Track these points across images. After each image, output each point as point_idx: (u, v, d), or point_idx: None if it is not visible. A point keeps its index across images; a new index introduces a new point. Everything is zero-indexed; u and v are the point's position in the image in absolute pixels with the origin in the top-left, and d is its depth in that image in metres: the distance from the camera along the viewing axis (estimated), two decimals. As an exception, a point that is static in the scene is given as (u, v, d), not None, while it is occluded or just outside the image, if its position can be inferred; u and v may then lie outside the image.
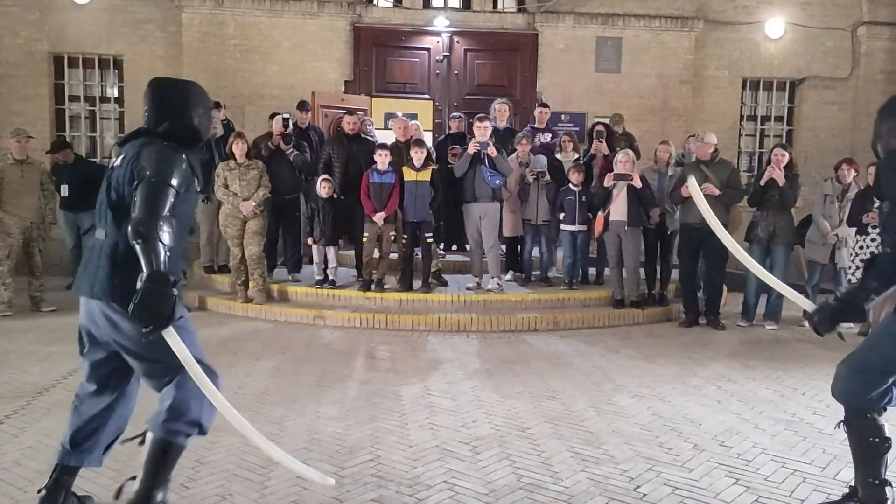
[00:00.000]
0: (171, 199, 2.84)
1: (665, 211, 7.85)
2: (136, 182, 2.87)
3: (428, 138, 9.12)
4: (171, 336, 2.76)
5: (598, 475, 3.81)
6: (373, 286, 7.85)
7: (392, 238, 8.03)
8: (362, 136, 8.60)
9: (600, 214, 7.72)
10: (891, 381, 3.14)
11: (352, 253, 8.57)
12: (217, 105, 8.83)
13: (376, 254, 7.90)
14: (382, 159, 7.72)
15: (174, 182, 2.88)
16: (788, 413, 4.85)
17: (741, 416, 4.78)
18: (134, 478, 3.03)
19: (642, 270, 8.04)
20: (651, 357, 6.38)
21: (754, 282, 7.52)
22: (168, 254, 2.74)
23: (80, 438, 3.17)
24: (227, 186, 7.66)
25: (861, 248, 7.16)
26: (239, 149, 7.69)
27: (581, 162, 8.44)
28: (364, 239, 7.84)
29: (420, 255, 7.94)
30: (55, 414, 4.59)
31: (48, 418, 4.53)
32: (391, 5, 11.01)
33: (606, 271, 8.36)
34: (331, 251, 8.02)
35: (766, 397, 5.21)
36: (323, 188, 7.87)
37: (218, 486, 3.60)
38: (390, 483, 3.67)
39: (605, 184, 7.64)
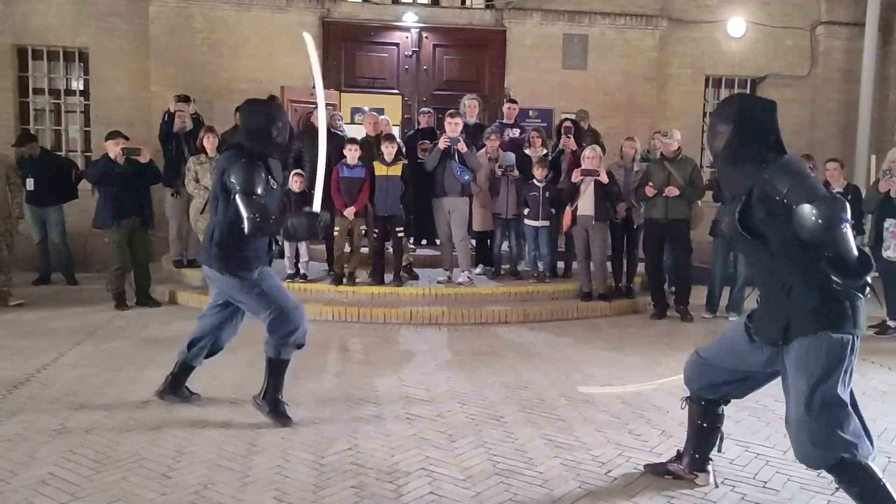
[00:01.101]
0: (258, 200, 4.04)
1: (631, 206, 8.03)
2: (232, 191, 4.08)
3: (396, 133, 9.19)
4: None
5: (570, 461, 3.94)
6: (344, 280, 7.91)
7: (363, 232, 8.10)
8: (332, 130, 8.62)
9: (568, 209, 7.86)
10: (720, 379, 3.39)
11: (323, 247, 8.61)
12: (186, 99, 8.83)
13: (347, 248, 7.96)
14: (352, 154, 7.77)
15: (258, 191, 4.06)
16: (751, 400, 4.97)
17: (706, 404, 4.94)
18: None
19: (609, 264, 8.21)
20: (619, 348, 6.54)
21: (718, 274, 7.74)
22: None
23: (195, 343, 4.64)
24: (198, 180, 7.65)
25: (819, 241, 7.40)
26: (210, 143, 7.69)
27: (549, 157, 8.58)
28: (335, 233, 7.89)
29: (391, 249, 8.01)
30: (31, 408, 4.60)
31: (25, 412, 4.52)
32: (360, 0, 11.03)
33: (574, 265, 8.52)
34: (302, 245, 8.05)
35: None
36: (295, 182, 7.89)
37: (200, 475, 3.65)
38: (370, 471, 3.75)
39: (573, 179, 7.78)
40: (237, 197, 4.05)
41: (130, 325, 7.09)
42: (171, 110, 8.68)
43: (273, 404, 4.39)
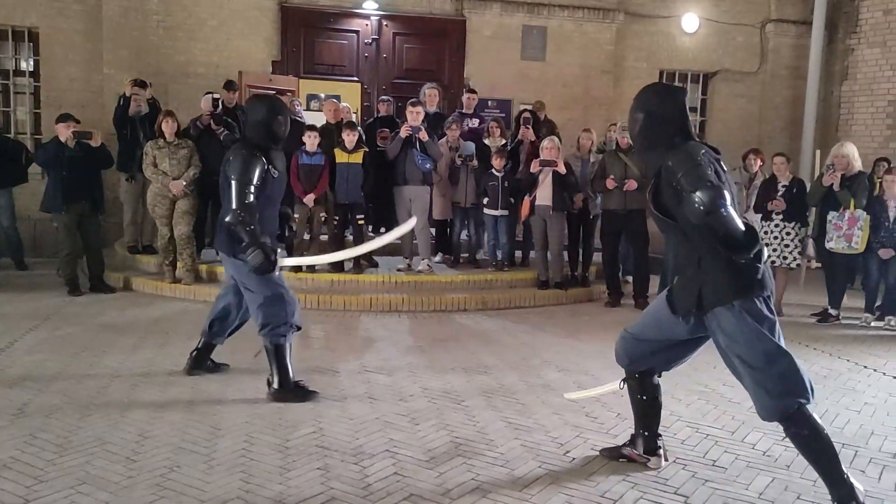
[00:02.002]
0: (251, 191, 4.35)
1: (588, 196, 8.20)
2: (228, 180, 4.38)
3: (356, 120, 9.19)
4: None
5: (530, 442, 4.05)
6: (303, 267, 7.92)
7: (323, 219, 8.10)
8: (292, 117, 8.58)
9: (527, 199, 7.99)
10: (648, 350, 3.60)
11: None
12: (143, 84, 8.68)
13: (307, 235, 7.97)
14: (312, 141, 7.77)
15: (254, 180, 4.37)
16: (701, 384, 5.22)
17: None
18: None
19: (566, 253, 8.37)
20: (575, 335, 6.70)
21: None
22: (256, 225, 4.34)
23: (213, 324, 4.97)
24: (156, 165, 7.56)
25: (766, 233, 7.66)
26: (169, 127, 7.59)
27: (508, 147, 8.69)
28: (294, 220, 7.87)
29: (351, 237, 8.04)
30: (-13, 393, 4.54)
31: (-20, 397, 4.47)
32: (320, -13, 10.97)
33: (532, 254, 8.67)
34: (261, 232, 8.01)
35: (681, 370, 5.44)
36: (254, 169, 7.84)
37: (164, 458, 3.66)
38: (335, 453, 3.81)
39: (532, 169, 7.91)
40: (232, 185, 4.36)
41: (85, 311, 7.00)
42: (127, 94, 8.54)
43: (292, 388, 4.59)
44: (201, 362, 5.09)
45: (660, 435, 3.81)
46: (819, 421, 3.19)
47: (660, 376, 3.76)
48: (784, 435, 3.26)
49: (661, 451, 3.78)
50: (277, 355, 4.55)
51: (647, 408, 3.74)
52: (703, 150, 3.22)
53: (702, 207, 2.99)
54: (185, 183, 7.57)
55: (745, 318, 3.13)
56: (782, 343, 3.19)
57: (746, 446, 4.09)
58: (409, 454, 3.83)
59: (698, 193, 3.01)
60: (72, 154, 7.49)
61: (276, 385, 4.58)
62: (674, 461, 3.85)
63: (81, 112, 8.90)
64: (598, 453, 3.92)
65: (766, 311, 3.17)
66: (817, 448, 3.15)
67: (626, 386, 3.79)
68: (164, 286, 7.82)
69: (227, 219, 4.37)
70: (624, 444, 3.88)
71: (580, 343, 6.39)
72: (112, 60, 10.11)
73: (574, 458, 3.85)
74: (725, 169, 3.27)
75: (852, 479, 3.14)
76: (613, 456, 3.85)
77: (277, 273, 4.56)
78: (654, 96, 3.41)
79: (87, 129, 7.74)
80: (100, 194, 7.82)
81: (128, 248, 8.85)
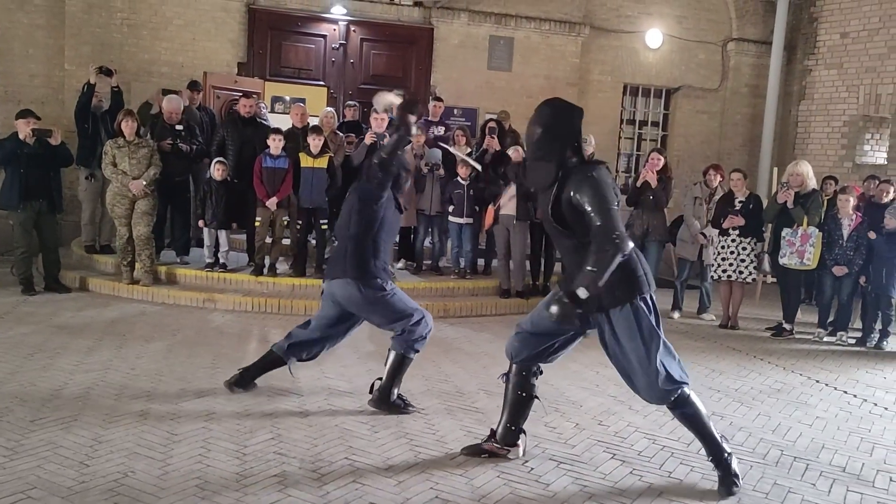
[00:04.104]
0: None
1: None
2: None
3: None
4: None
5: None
6: (265, 270, 7.86)
7: (285, 223, 8.05)
8: (257, 119, 8.54)
9: (491, 208, 8.01)
10: (542, 345, 3.82)
11: (243, 237, 8.51)
12: (109, 73, 8.53)
13: (269, 238, 7.91)
14: (276, 144, 7.71)
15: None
16: (658, 395, 5.29)
17: (617, 399, 5.17)
18: (379, 379, 4.63)
19: (528, 262, 8.43)
20: (535, 344, 6.74)
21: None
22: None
23: (298, 346, 4.78)
24: (115, 164, 7.44)
25: (723, 247, 7.81)
26: (129, 127, 7.47)
27: (473, 156, 8.72)
28: (257, 223, 7.82)
29: (314, 242, 8.00)
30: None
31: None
32: (288, -11, 10.92)
33: (494, 262, 8.71)
34: (222, 234, 7.95)
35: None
36: (217, 171, 7.78)
37: (118, 463, 3.61)
38: (293, 459, 3.79)
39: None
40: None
41: (39, 311, 6.85)
42: (92, 82, 8.38)
43: (392, 400, 4.66)
44: (249, 381, 4.84)
45: (524, 430, 4.01)
46: (696, 399, 3.67)
47: (541, 373, 4.01)
48: (743, 448, 3.35)
49: (521, 443, 4.00)
50: (401, 366, 4.62)
51: (523, 405, 3.96)
52: (596, 164, 3.54)
53: (596, 218, 3.34)
54: (144, 183, 7.47)
55: (636, 316, 3.50)
56: (663, 336, 3.55)
57: (701, 458, 4.14)
58: (368, 462, 3.82)
59: (591, 203, 3.36)
60: (30, 151, 7.34)
61: (378, 393, 4.63)
62: (631, 472, 3.90)
63: (41, 108, 8.72)
64: (557, 463, 3.95)
65: (650, 308, 3.54)
66: (698, 422, 3.68)
67: (506, 380, 3.97)
68: (122, 287, 7.69)
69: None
70: (484, 440, 4.04)
71: (540, 353, 6.44)
72: (74, 57, 9.93)
73: (533, 468, 3.88)
74: (610, 178, 3.56)
75: (719, 434, 3.76)
76: (475, 453, 4.00)
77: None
78: (550, 112, 3.65)
79: (47, 128, 7.60)
80: (58, 193, 7.67)
81: (85, 247, 8.68)
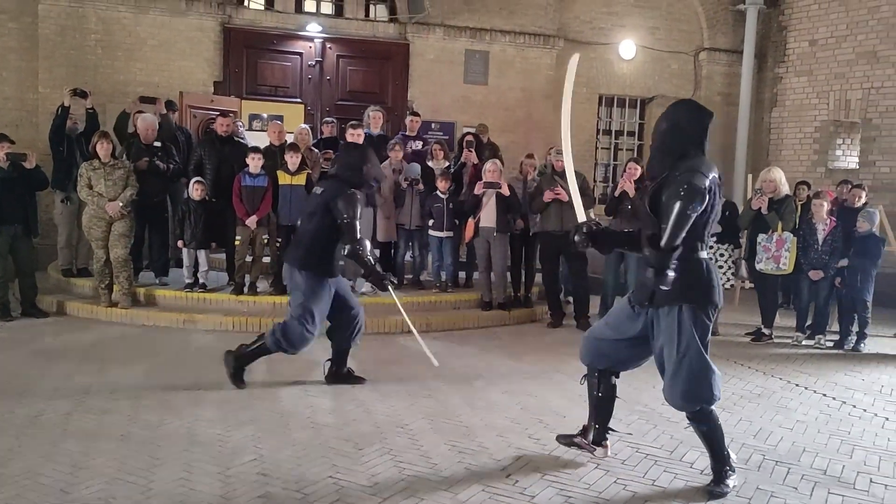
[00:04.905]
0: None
1: (522, 216, 8.27)
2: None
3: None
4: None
5: (474, 466, 4.07)
6: (245, 290, 7.82)
7: (265, 241, 8.03)
8: (234, 138, 8.53)
9: (470, 221, 8.07)
10: (607, 349, 4.00)
11: (223, 256, 8.47)
12: (84, 94, 8.48)
13: (249, 257, 7.87)
14: (255, 163, 7.70)
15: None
16: (641, 404, 5.33)
17: (600, 408, 5.19)
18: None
19: (509, 274, 8.46)
20: (518, 356, 6.77)
21: (611, 284, 8.10)
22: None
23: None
24: (91, 187, 7.39)
25: (702, 253, 7.87)
26: (104, 149, 7.43)
27: (452, 170, 8.76)
28: (236, 242, 7.79)
29: (294, 259, 7.95)
30: None
31: None
32: (262, 8, 10.94)
33: (475, 275, 8.73)
34: (202, 254, 7.91)
35: (622, 391, 5.59)
36: (195, 190, 7.75)
37: (99, 490, 3.57)
38: (276, 481, 3.77)
39: (476, 191, 7.99)
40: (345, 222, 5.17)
41: (16, 336, 6.78)
42: (66, 104, 8.33)
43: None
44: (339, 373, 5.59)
45: (609, 430, 4.20)
46: (717, 417, 3.77)
47: (617, 377, 4.14)
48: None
49: (606, 444, 4.19)
50: (259, 350, 5.44)
51: (602, 404, 4.13)
52: (709, 166, 3.64)
53: (682, 192, 3.45)
54: (121, 204, 7.42)
55: (685, 321, 3.58)
56: (707, 352, 3.63)
57: (685, 465, 4.19)
58: (353, 480, 3.81)
59: (687, 184, 3.47)
60: (5, 175, 7.28)
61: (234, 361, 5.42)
62: (615, 481, 3.92)
63: (15, 132, 8.67)
64: (542, 475, 3.96)
65: (704, 320, 3.62)
66: (713, 441, 3.78)
67: (585, 382, 4.18)
68: (100, 310, 7.62)
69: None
70: (576, 434, 4.24)
71: (524, 364, 6.46)
72: (48, 79, 9.89)
73: (517, 481, 3.88)
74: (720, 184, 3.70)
75: (729, 450, 3.86)
76: (567, 443, 4.27)
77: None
78: (682, 110, 3.81)
79: (21, 151, 7.54)
80: (33, 217, 7.61)
81: (62, 271, 8.60)
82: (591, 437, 4.18)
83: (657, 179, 3.68)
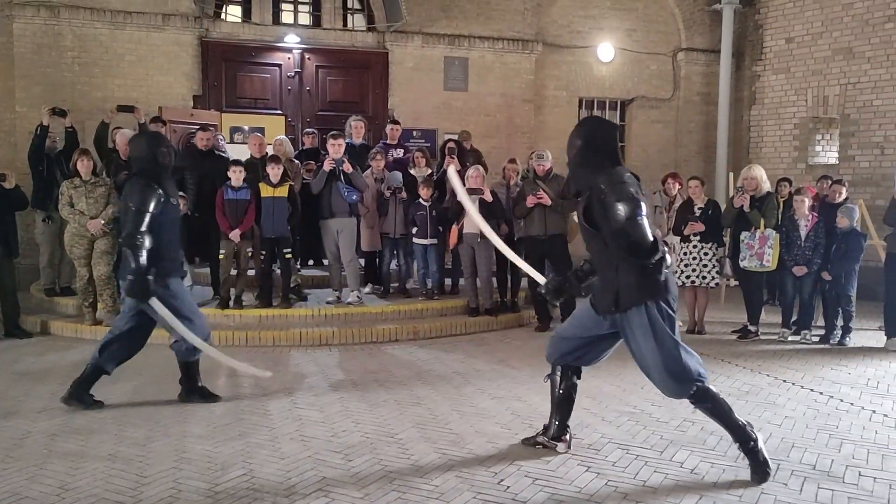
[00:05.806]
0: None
1: (506, 221, 8.27)
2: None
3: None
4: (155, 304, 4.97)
5: (465, 473, 4.06)
6: (231, 303, 7.78)
7: (249, 254, 7.99)
8: (216, 152, 8.50)
9: (455, 227, 8.06)
10: (573, 346, 4.26)
11: (207, 271, 8.43)
12: (63, 113, 8.43)
13: (234, 271, 7.84)
14: (237, 176, 7.67)
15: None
16: (630, 406, 5.33)
17: (590, 411, 5.19)
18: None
19: (495, 279, 8.46)
20: (507, 361, 6.76)
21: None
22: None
23: (104, 347, 5.19)
24: (72, 205, 7.33)
25: (685, 253, 7.92)
26: (84, 166, 7.38)
27: (434, 177, 8.76)
28: (221, 256, 7.76)
29: (279, 271, 7.95)
30: None
31: None
32: (240, 20, 10.92)
33: (461, 281, 8.73)
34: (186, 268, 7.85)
35: (611, 392, 5.69)
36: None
37: (87, 511, 3.53)
38: (266, 495, 3.74)
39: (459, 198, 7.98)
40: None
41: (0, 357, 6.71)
42: (45, 123, 8.26)
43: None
44: (88, 387, 5.25)
45: (568, 426, 4.42)
46: (716, 391, 3.93)
47: (579, 377, 4.41)
48: (715, 452, 3.39)
49: (566, 438, 4.39)
50: (187, 369, 5.42)
51: (564, 402, 4.38)
52: (628, 174, 3.85)
53: (622, 214, 3.66)
54: (103, 221, 7.36)
55: (653, 316, 3.79)
56: (677, 337, 3.85)
57: (675, 465, 4.19)
58: (343, 492, 3.79)
59: (620, 204, 3.67)
60: (-18, 196, 7.22)
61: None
62: (606, 483, 3.92)
63: (-8, 152, 8.61)
64: (533, 480, 3.95)
65: (669, 311, 3.84)
66: (720, 411, 3.92)
67: (549, 380, 4.43)
68: (85, 329, 7.55)
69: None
70: (538, 433, 4.47)
71: (512, 369, 6.45)
72: (25, 98, 9.82)
73: (509, 487, 3.87)
74: (644, 192, 3.94)
75: (744, 421, 3.96)
76: (529, 444, 4.45)
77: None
78: (593, 126, 4.09)
79: (0, 172, 7.48)
80: (14, 237, 7.54)
81: (45, 290, 8.53)
82: (551, 433, 4.38)
83: (583, 193, 3.94)
